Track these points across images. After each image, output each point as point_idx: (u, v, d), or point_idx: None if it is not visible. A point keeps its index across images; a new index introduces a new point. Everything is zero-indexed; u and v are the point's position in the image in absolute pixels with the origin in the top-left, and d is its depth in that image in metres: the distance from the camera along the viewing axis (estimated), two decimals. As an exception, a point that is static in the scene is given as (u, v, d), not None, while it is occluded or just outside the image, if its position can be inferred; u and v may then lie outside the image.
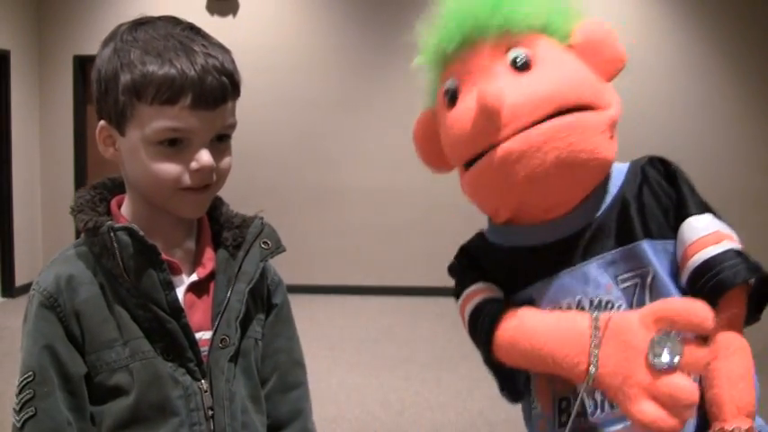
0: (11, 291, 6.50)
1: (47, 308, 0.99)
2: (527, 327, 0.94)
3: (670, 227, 0.97)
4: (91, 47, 7.15)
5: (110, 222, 1.00)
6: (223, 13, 6.70)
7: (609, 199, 0.99)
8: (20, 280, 6.58)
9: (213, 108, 0.97)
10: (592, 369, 0.87)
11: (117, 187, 1.10)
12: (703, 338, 0.87)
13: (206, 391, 1.02)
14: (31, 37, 6.82)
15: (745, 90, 6.56)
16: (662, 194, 0.99)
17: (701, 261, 0.92)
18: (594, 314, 0.90)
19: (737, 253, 0.93)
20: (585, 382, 0.87)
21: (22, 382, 0.98)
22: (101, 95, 1.00)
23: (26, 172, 6.76)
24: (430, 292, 6.50)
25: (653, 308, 0.87)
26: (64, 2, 6.91)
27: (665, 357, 0.83)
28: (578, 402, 0.91)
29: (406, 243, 6.64)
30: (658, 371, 0.83)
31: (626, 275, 0.94)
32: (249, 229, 1.11)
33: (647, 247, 0.95)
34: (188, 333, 1.02)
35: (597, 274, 0.95)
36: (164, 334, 1.00)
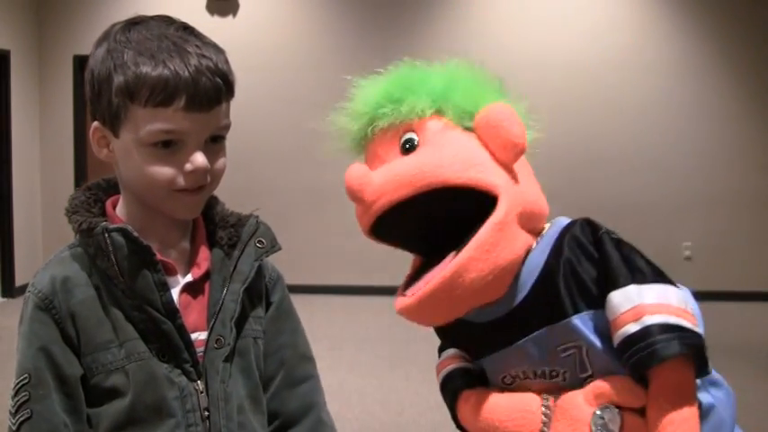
0: (11, 291, 6.51)
1: (42, 310, 0.99)
2: (483, 407, 1.02)
3: (600, 296, 0.94)
4: (91, 47, 7.12)
5: (104, 223, 0.99)
6: (223, 13, 6.70)
7: (534, 277, 0.97)
8: (20, 280, 6.58)
9: (207, 109, 0.97)
10: None
11: (112, 188, 1.09)
12: (643, 410, 0.92)
13: (202, 392, 1.02)
14: (31, 37, 6.82)
15: (744, 90, 6.56)
16: (588, 264, 0.95)
17: (619, 340, 0.90)
18: (544, 395, 0.97)
19: (661, 328, 0.88)
20: None
21: (17, 384, 0.98)
22: (94, 96, 1.00)
23: (26, 172, 6.76)
24: (430, 292, 6.50)
25: (593, 385, 0.94)
26: (64, 2, 6.92)
27: (607, 428, 0.91)
28: None
29: (405, 243, 6.63)
30: None
31: (564, 347, 0.97)
32: (244, 228, 1.10)
33: (577, 322, 0.94)
34: (183, 334, 1.01)
35: (536, 350, 0.98)
36: (159, 335, 1.00)
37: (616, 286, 0.91)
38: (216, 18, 6.67)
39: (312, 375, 1.18)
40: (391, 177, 0.96)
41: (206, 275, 1.07)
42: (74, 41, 6.87)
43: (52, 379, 0.97)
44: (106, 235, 0.98)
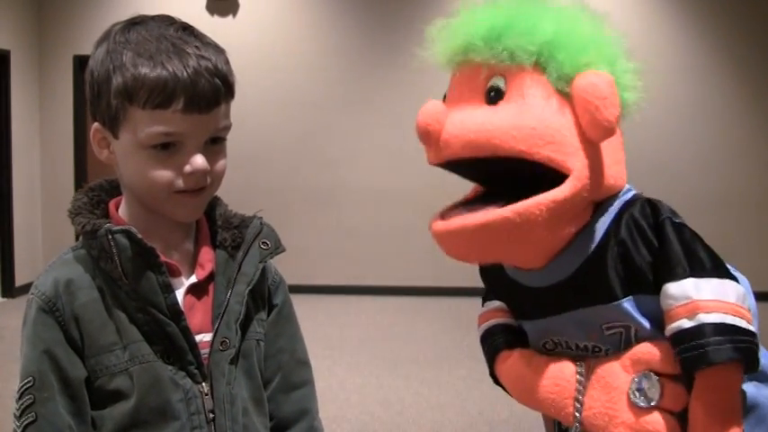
0: (11, 291, 6.50)
1: (46, 312, 0.98)
2: (520, 370, 1.01)
3: (654, 282, 0.91)
4: (91, 47, 7.12)
5: (108, 225, 0.99)
6: (223, 14, 6.70)
7: (586, 254, 0.94)
8: (20, 280, 6.58)
9: (206, 111, 0.96)
10: (577, 414, 0.94)
11: (114, 189, 1.08)
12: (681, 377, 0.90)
13: (207, 394, 1.01)
14: (31, 37, 6.82)
15: (748, 91, 6.56)
16: (645, 249, 0.91)
17: (672, 333, 0.88)
18: (578, 362, 0.96)
19: (715, 328, 0.85)
20: (574, 426, 0.95)
21: (21, 387, 0.97)
22: (94, 97, 0.99)
23: (26, 172, 6.76)
24: (430, 292, 6.51)
25: (631, 352, 0.92)
26: (64, 2, 6.92)
27: (646, 396, 0.89)
28: None
29: (406, 243, 6.64)
30: (640, 409, 0.89)
31: (610, 325, 0.95)
32: (248, 230, 1.09)
33: (628, 306, 0.92)
34: (188, 336, 1.00)
35: (581, 325, 0.96)
36: (163, 337, 0.99)
37: (673, 278, 0.88)
38: (216, 18, 6.67)
39: (308, 381, 1.18)
40: (464, 134, 0.90)
41: (210, 277, 1.06)
42: (74, 41, 6.86)
43: (56, 381, 0.96)
44: (110, 237, 0.97)
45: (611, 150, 0.95)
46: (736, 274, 0.93)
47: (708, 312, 0.86)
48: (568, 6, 0.96)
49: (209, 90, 0.95)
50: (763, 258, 6.44)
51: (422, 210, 7.24)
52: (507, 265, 1.03)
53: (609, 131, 0.89)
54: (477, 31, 0.92)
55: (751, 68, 6.53)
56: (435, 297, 6.42)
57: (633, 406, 0.89)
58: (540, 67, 0.91)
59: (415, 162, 6.89)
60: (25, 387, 0.97)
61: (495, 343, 1.07)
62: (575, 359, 0.97)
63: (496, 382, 1.10)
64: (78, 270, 1.01)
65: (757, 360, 0.87)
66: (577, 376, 0.95)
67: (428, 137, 0.92)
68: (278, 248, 1.11)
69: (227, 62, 1.00)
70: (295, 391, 1.15)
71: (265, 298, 1.13)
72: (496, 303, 1.11)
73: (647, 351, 0.90)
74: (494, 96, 0.92)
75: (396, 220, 6.67)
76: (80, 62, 6.89)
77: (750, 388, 0.93)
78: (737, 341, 0.85)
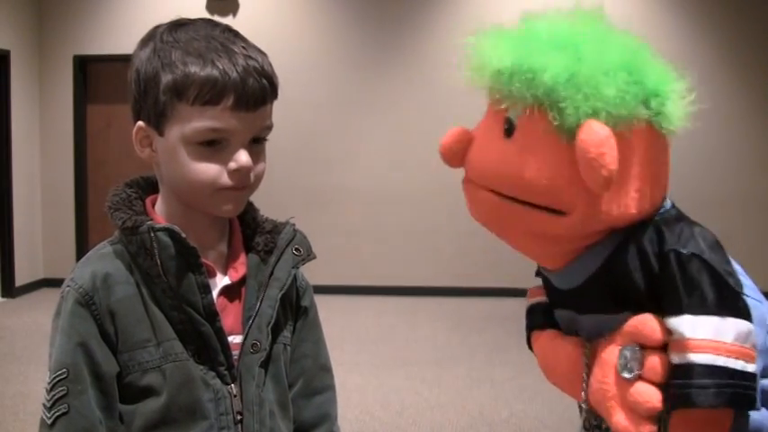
0: (11, 291, 6.50)
1: (82, 305, 0.99)
2: (544, 350, 1.09)
3: (654, 308, 0.91)
4: (91, 47, 7.16)
5: (150, 222, 0.99)
6: (223, 13, 6.70)
7: (594, 269, 0.97)
8: (20, 280, 6.58)
9: (254, 109, 0.98)
10: (583, 394, 0.98)
11: (150, 187, 1.09)
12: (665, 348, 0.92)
13: (235, 396, 1.02)
14: (31, 37, 6.82)
15: (751, 91, 6.56)
16: (642, 276, 0.91)
17: (671, 364, 0.89)
18: (586, 344, 1.00)
19: (704, 370, 0.84)
20: (582, 406, 1.00)
21: (55, 378, 0.97)
22: (139, 95, 1.00)
23: (26, 172, 6.76)
24: (430, 292, 6.50)
25: (623, 327, 0.94)
26: (64, 2, 6.91)
27: (629, 367, 0.91)
28: (583, 417, 1.04)
29: (406, 243, 6.64)
30: (627, 382, 0.91)
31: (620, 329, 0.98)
32: (281, 235, 1.11)
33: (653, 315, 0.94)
34: (221, 337, 1.01)
35: (596, 326, 0.99)
36: (197, 337, 1.00)
37: (671, 313, 0.88)
38: (216, 18, 6.65)
39: (330, 387, 1.19)
40: (479, 166, 0.99)
41: (242, 280, 1.07)
42: (74, 41, 6.87)
43: (89, 375, 0.97)
44: (152, 234, 0.98)
45: (636, 186, 0.94)
46: (755, 301, 0.92)
47: (698, 353, 0.85)
48: (590, 36, 0.93)
49: (258, 89, 0.98)
50: (762, 258, 6.44)
51: (422, 210, 7.25)
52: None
53: (603, 187, 0.88)
54: (490, 69, 0.94)
55: (752, 68, 6.53)
56: (435, 297, 6.42)
57: (620, 379, 0.92)
58: (546, 110, 0.91)
59: (415, 162, 6.92)
60: (59, 378, 0.97)
61: (532, 321, 1.14)
62: (584, 341, 1.02)
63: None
64: (116, 265, 1.01)
65: (749, 402, 0.86)
66: (584, 359, 0.99)
67: (447, 162, 1.03)
68: (309, 255, 1.14)
69: (271, 65, 1.03)
70: (316, 396, 1.16)
71: (294, 303, 1.15)
72: (537, 283, 1.16)
73: (632, 324, 0.92)
74: (507, 129, 0.95)
75: (396, 221, 6.67)
76: (80, 62, 6.89)
77: (761, 413, 0.92)
78: (724, 385, 0.84)
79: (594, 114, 0.88)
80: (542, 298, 1.13)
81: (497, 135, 0.96)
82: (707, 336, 0.85)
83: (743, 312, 0.88)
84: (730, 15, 6.52)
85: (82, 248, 6.77)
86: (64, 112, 6.93)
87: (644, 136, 0.94)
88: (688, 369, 0.85)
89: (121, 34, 6.68)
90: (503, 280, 6.16)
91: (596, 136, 0.86)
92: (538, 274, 1.14)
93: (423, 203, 6.59)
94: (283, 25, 6.75)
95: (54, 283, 6.66)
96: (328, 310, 6.84)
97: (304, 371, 1.15)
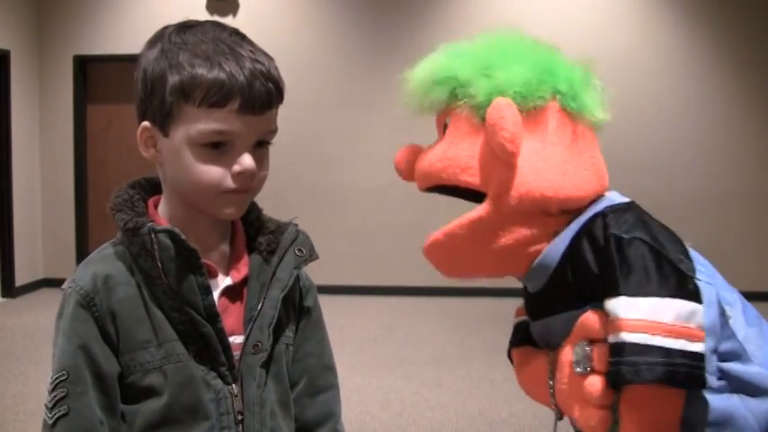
0: (11, 291, 6.50)
1: (83, 307, 0.99)
2: (519, 368, 1.12)
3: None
4: (91, 47, 7.16)
5: (151, 224, 1.00)
6: (223, 13, 6.71)
7: (554, 265, 1.00)
8: (20, 280, 6.58)
9: (259, 113, 0.99)
10: (551, 399, 1.01)
11: (152, 187, 1.10)
12: None
13: (236, 396, 1.03)
14: (31, 37, 6.82)
15: (745, 89, 6.56)
16: (596, 263, 0.94)
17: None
18: (551, 351, 1.02)
19: (634, 348, 0.86)
20: (553, 409, 1.03)
21: (55, 380, 0.98)
22: (146, 95, 1.00)
23: (26, 172, 6.76)
24: (430, 292, 6.50)
25: (574, 327, 0.97)
26: (64, 2, 6.92)
27: (581, 363, 0.94)
28: (555, 425, 1.08)
29: (405, 243, 6.63)
30: (581, 377, 0.93)
31: None
32: (284, 235, 1.11)
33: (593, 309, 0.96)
34: (222, 338, 1.02)
35: (566, 326, 0.99)
36: (198, 337, 1.01)
37: (608, 295, 0.90)
38: (216, 18, 6.66)
39: (333, 385, 1.19)
40: (419, 169, 1.08)
41: (244, 280, 1.08)
42: (74, 41, 6.87)
43: (90, 376, 0.98)
44: (153, 235, 0.98)
45: (554, 163, 0.99)
46: (706, 285, 0.93)
47: (630, 332, 0.87)
48: (499, 44, 1.05)
49: (264, 93, 0.99)
50: (761, 258, 6.44)
51: (422, 210, 7.33)
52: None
53: (503, 152, 0.95)
54: (415, 79, 1.07)
55: (749, 67, 6.53)
56: (435, 297, 6.42)
57: (575, 375, 0.94)
58: (463, 103, 1.01)
59: (415, 162, 6.89)
60: (59, 380, 0.98)
61: (514, 339, 1.16)
62: (547, 350, 1.04)
63: None
64: (117, 266, 1.02)
65: (694, 381, 0.87)
66: (548, 364, 1.02)
67: (400, 174, 1.12)
68: (312, 255, 1.14)
69: (277, 69, 1.04)
70: (320, 395, 1.16)
71: (296, 303, 1.15)
72: (521, 303, 1.17)
73: (581, 322, 0.95)
74: (445, 132, 1.06)
75: (396, 221, 6.67)
76: (80, 62, 6.90)
77: (730, 400, 0.92)
78: (658, 363, 0.85)
79: (501, 94, 0.98)
80: (524, 317, 1.15)
81: (438, 141, 1.07)
82: (642, 316, 0.87)
83: (690, 294, 0.89)
84: (728, 14, 6.52)
85: (82, 248, 6.77)
86: (64, 112, 6.93)
87: (564, 122, 1.01)
88: (619, 347, 0.87)
89: (122, 34, 6.69)
90: (502, 280, 6.09)
91: (497, 104, 0.96)
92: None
93: (423, 203, 6.57)
94: (283, 25, 6.75)
95: (54, 283, 6.66)
96: (328, 310, 6.82)
97: (308, 369, 1.15)
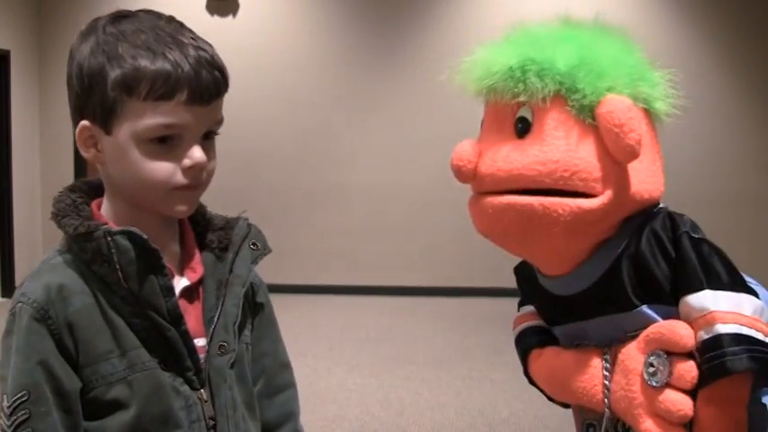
0: (11, 291, 6.50)
1: (38, 321, 0.92)
2: (551, 365, 1.06)
3: (672, 294, 0.94)
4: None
5: (106, 227, 0.94)
6: (223, 14, 6.70)
7: (606, 266, 0.98)
8: (20, 280, 6.57)
9: (207, 103, 0.94)
10: (606, 400, 0.97)
11: (93, 190, 1.04)
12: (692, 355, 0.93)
13: (206, 401, 0.99)
14: (31, 37, 6.82)
15: (747, 90, 6.56)
16: (663, 261, 0.94)
17: (698, 342, 0.91)
18: (605, 350, 1.00)
19: (732, 338, 0.87)
20: (605, 414, 0.98)
21: (15, 401, 0.91)
22: (83, 92, 0.94)
23: (26, 172, 6.76)
24: (430, 292, 6.50)
25: (645, 332, 0.94)
26: (64, 2, 6.92)
27: (657, 375, 0.92)
28: (604, 426, 1.02)
29: (405, 243, 6.64)
30: (654, 389, 0.91)
31: (633, 333, 0.98)
32: (234, 231, 1.06)
33: (648, 310, 0.95)
34: (187, 341, 0.97)
35: (607, 329, 0.99)
36: (162, 343, 0.96)
37: (691, 290, 0.91)
38: (216, 18, 6.67)
39: (291, 384, 1.16)
40: (496, 172, 0.97)
41: (200, 279, 1.03)
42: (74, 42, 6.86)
43: (52, 394, 0.91)
44: (109, 239, 0.93)
45: (646, 164, 0.98)
46: (757, 287, 0.96)
47: (725, 323, 0.88)
48: (586, 32, 1.00)
49: (212, 81, 0.94)
50: (763, 257, 6.44)
51: (422, 210, 7.25)
52: (538, 272, 1.07)
53: (631, 155, 0.92)
54: (501, 68, 0.96)
55: (750, 67, 6.53)
56: (435, 297, 6.42)
57: (647, 386, 0.92)
58: (563, 97, 0.94)
59: (415, 162, 6.92)
60: (19, 401, 0.91)
61: (526, 344, 1.12)
62: (602, 348, 1.00)
63: (531, 382, 1.14)
64: (69, 275, 0.96)
65: None
66: (604, 363, 0.98)
67: (461, 176, 1.00)
68: (266, 249, 1.09)
69: (218, 55, 0.98)
70: (279, 395, 1.13)
71: (251, 300, 1.11)
72: (530, 308, 1.15)
73: (656, 330, 0.92)
74: (521, 128, 0.97)
75: (396, 221, 6.66)
76: (80, 62, 6.89)
77: None
78: (755, 351, 0.87)
79: (611, 91, 0.93)
80: (532, 322, 1.13)
81: (508, 138, 0.98)
82: (729, 308, 0.89)
83: (751, 291, 0.92)
84: (729, 14, 6.52)
85: (82, 248, 6.77)
86: (64, 113, 6.89)
87: (646, 122, 0.99)
88: (718, 340, 0.88)
89: (121, 34, 6.68)
90: (502, 280, 6.13)
91: (621, 104, 0.91)
92: (521, 304, 1.17)
93: (423, 204, 6.58)
94: (283, 25, 6.74)
95: (54, 283, 6.65)
96: (328, 310, 6.81)
97: (265, 370, 1.11)
